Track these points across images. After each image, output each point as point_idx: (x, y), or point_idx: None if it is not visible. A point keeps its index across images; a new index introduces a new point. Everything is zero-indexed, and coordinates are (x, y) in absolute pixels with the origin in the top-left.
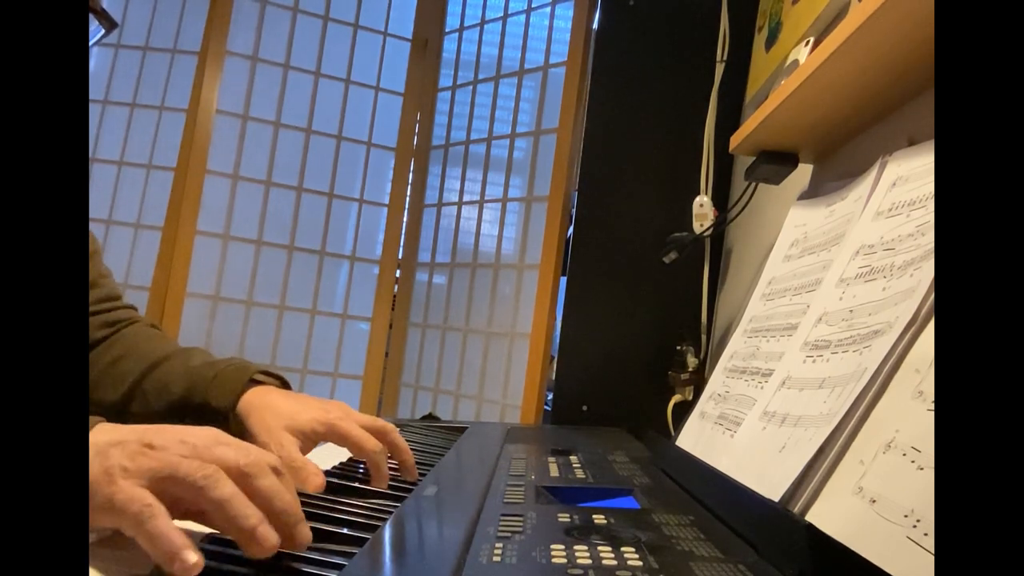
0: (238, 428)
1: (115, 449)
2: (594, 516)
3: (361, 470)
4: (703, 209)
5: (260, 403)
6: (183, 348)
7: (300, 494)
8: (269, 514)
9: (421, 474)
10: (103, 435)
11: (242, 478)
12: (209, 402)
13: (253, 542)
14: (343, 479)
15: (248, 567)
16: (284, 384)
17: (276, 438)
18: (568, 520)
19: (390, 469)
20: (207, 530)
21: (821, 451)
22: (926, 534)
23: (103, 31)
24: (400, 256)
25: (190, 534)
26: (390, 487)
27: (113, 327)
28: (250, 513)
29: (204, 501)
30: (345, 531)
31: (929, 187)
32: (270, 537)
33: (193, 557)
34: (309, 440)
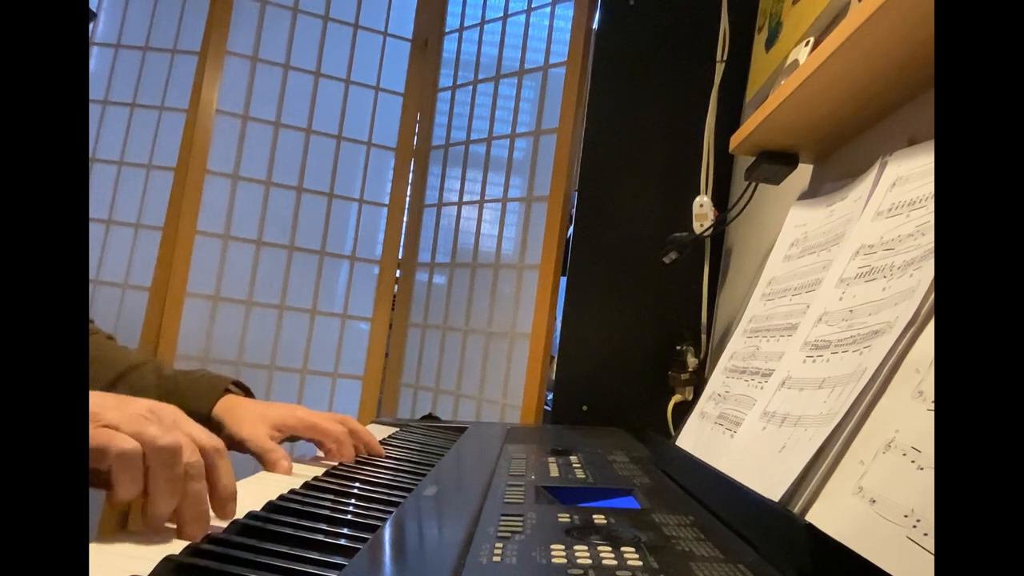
0: (215, 429)
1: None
2: (594, 516)
3: (365, 470)
4: (703, 209)
5: (232, 406)
6: (149, 358)
7: (300, 494)
8: (215, 486)
9: (421, 474)
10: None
11: (205, 453)
12: (188, 407)
13: (156, 534)
14: (343, 480)
15: (248, 568)
16: (250, 395)
17: (250, 427)
18: (568, 520)
19: (380, 482)
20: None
21: (821, 451)
22: (926, 534)
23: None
24: (400, 256)
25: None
26: (389, 487)
27: None
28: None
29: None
30: (345, 531)
31: (929, 187)
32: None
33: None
34: (278, 431)
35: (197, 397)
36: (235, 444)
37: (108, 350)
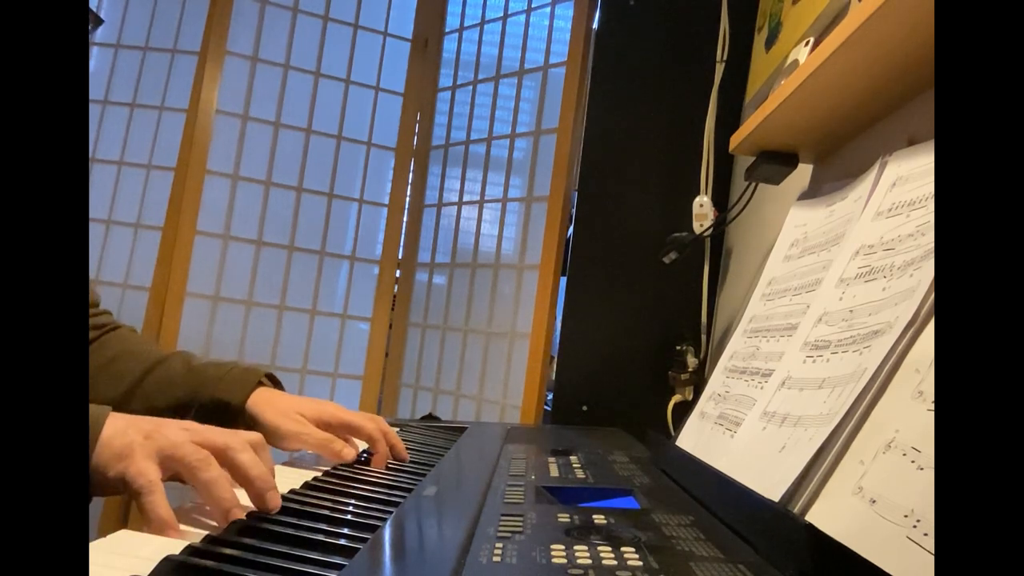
0: (250, 422)
1: (132, 429)
2: (594, 516)
3: (365, 470)
4: (703, 209)
5: (267, 399)
6: (177, 351)
7: (301, 495)
8: (245, 481)
9: (421, 474)
10: (121, 420)
11: (226, 451)
12: (220, 398)
13: (225, 520)
14: (343, 480)
15: (248, 568)
16: (281, 388)
17: (294, 423)
18: (568, 520)
19: (380, 482)
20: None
21: (821, 451)
22: (926, 534)
23: (90, 27)
24: (400, 256)
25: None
26: (389, 487)
27: (100, 330)
28: (228, 496)
29: (195, 480)
30: (345, 531)
31: (929, 187)
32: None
33: (176, 528)
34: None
35: (230, 388)
36: (271, 438)
37: (137, 343)
